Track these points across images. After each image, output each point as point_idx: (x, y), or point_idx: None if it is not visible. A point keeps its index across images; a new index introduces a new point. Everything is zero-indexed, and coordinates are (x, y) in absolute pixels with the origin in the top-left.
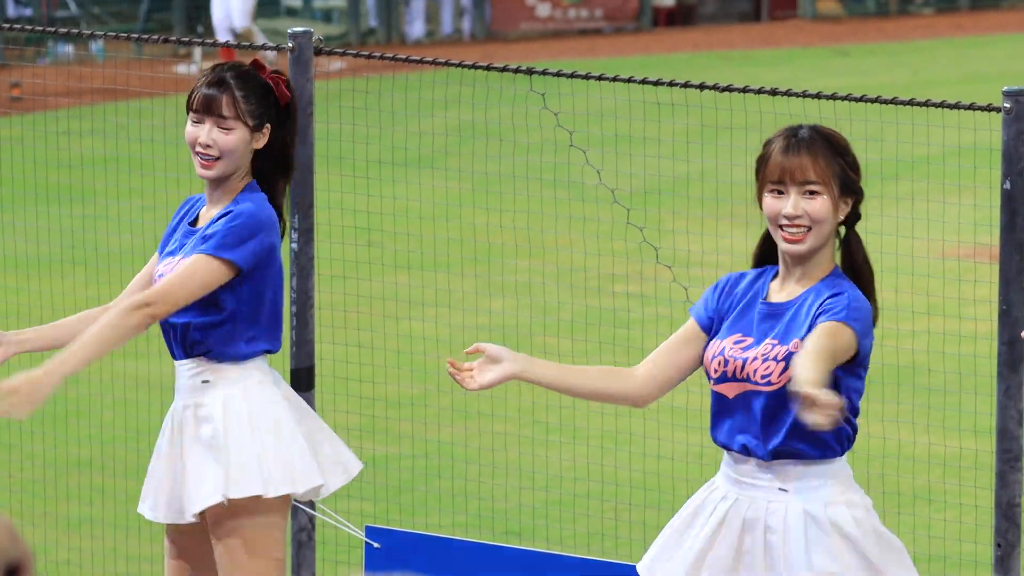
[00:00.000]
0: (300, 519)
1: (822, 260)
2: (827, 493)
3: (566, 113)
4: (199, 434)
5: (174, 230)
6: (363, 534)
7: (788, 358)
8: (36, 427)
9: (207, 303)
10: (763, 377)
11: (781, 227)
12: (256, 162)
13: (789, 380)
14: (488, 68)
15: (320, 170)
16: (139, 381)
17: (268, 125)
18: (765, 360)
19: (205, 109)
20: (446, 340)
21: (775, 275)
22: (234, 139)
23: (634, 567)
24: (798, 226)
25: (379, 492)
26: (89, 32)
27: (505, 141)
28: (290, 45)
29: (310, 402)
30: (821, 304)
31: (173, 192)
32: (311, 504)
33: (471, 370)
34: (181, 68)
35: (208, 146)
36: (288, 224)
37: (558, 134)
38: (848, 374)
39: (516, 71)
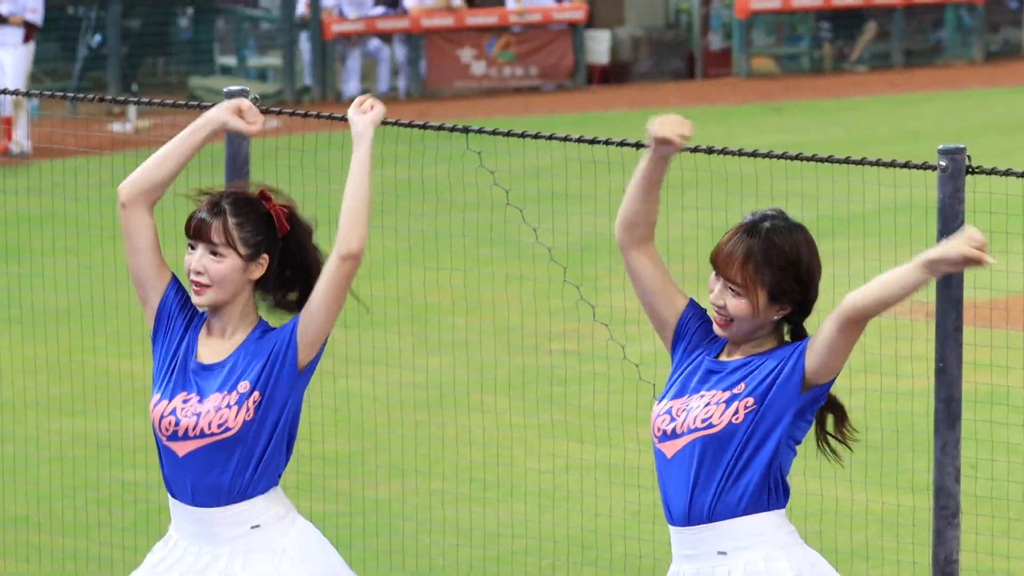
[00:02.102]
0: None
1: (764, 340)
2: (766, 550)
3: (502, 171)
4: (273, 571)
5: (176, 336)
6: None
7: (730, 400)
8: None
9: (261, 432)
10: (703, 421)
11: (713, 308)
12: (278, 294)
13: (729, 421)
14: (424, 126)
15: None
16: (75, 437)
17: (265, 255)
18: (707, 405)
19: (196, 235)
20: (383, 398)
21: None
22: (225, 267)
23: None
24: (721, 314)
25: None
26: (24, 91)
27: (441, 199)
28: None
29: None
30: (794, 349)
31: (108, 250)
32: None
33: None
34: (116, 126)
35: (199, 272)
36: None
37: (494, 192)
38: (798, 417)
39: (452, 129)
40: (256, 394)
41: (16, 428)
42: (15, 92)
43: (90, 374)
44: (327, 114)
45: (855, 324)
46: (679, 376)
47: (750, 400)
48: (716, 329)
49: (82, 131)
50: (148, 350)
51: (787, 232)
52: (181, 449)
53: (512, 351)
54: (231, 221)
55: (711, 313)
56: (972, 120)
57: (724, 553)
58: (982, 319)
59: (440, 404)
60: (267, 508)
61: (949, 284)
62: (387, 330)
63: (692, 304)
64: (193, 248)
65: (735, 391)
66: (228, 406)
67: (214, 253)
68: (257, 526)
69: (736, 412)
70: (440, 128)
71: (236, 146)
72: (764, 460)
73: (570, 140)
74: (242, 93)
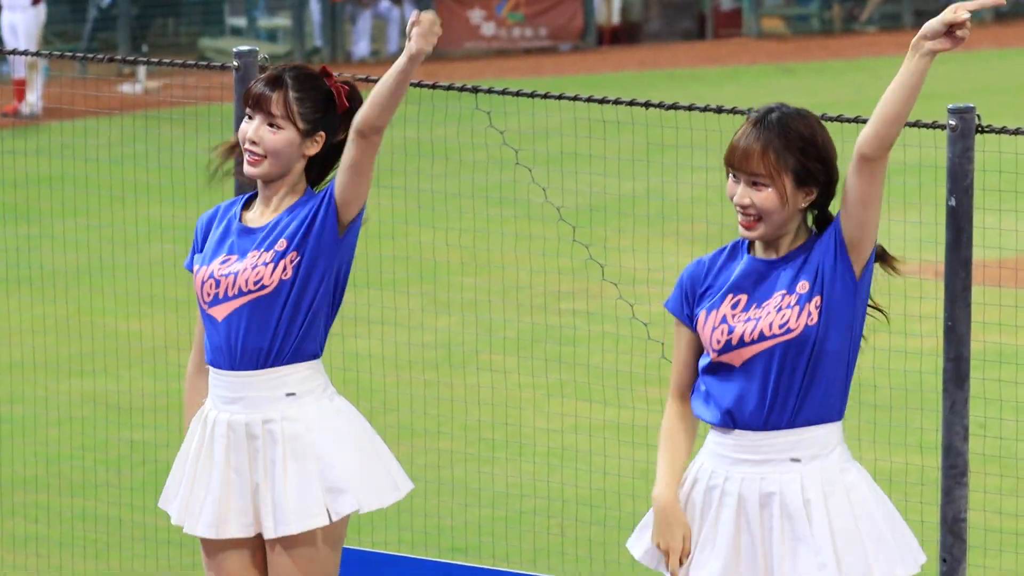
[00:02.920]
0: None
1: (797, 234)
2: (836, 458)
3: (512, 131)
4: (294, 450)
5: (206, 237)
6: None
7: (801, 301)
8: None
9: (299, 294)
10: (781, 327)
11: (737, 211)
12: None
13: (806, 324)
14: (434, 87)
15: None
16: (84, 398)
17: (322, 133)
18: (779, 310)
19: (255, 105)
20: (391, 358)
21: (748, 243)
22: (281, 139)
23: None
24: (748, 214)
25: None
26: (34, 51)
27: (451, 159)
28: (236, 64)
29: None
30: (832, 230)
31: (118, 211)
32: None
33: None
34: (126, 87)
35: (255, 143)
36: None
37: (504, 152)
38: (860, 303)
39: (462, 90)
40: (294, 254)
41: (25, 389)
42: (24, 52)
43: (99, 334)
44: (337, 74)
45: (873, 160)
46: (719, 289)
47: (818, 299)
48: (743, 232)
49: (92, 92)
50: (156, 310)
51: (798, 116)
52: (221, 312)
53: (521, 311)
54: (292, 95)
55: (737, 219)
56: (982, 81)
57: (798, 460)
58: (991, 278)
59: (449, 364)
60: (305, 378)
61: (959, 243)
62: (396, 290)
63: (679, 315)
64: (251, 118)
65: (799, 291)
66: (265, 263)
67: (272, 124)
68: (293, 394)
69: (809, 314)
70: (449, 88)
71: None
72: (841, 362)
73: (579, 100)
74: (251, 54)
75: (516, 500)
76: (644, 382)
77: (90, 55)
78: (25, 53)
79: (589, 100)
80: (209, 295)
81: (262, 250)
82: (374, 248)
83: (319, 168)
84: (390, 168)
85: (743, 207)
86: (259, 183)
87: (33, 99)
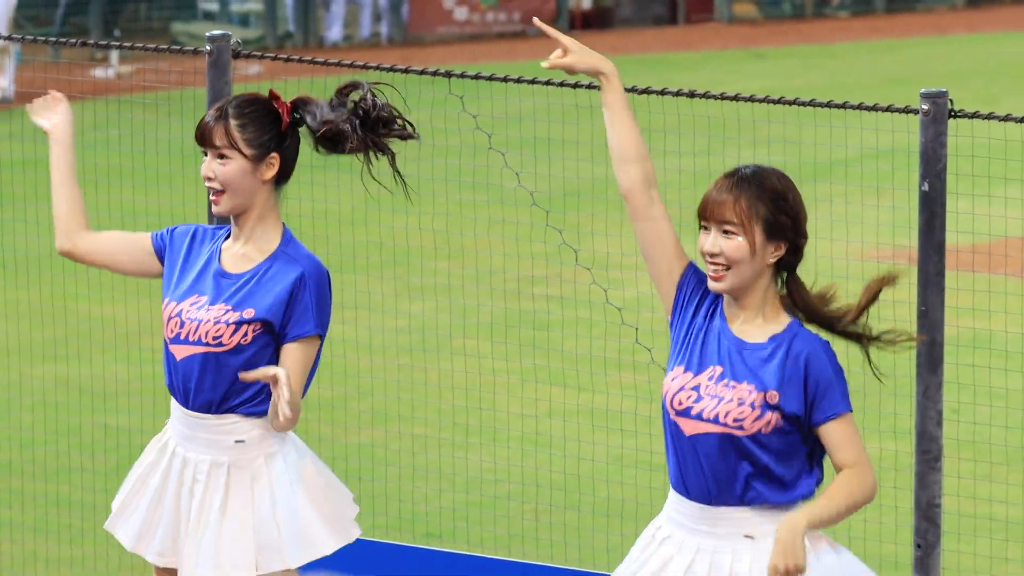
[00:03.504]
0: None
1: (765, 297)
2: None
3: (485, 116)
4: (234, 502)
5: (190, 255)
6: None
7: (764, 407)
8: None
9: (255, 361)
10: (735, 420)
11: (707, 262)
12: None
13: (759, 430)
14: (406, 71)
15: None
16: (57, 382)
17: (275, 154)
18: (740, 404)
19: (202, 141)
20: (365, 343)
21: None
22: (232, 170)
23: (554, 568)
24: (716, 264)
25: None
26: (6, 36)
27: (423, 144)
28: (208, 48)
29: None
30: (816, 389)
31: (90, 195)
32: None
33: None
34: (98, 72)
35: (210, 178)
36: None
37: (477, 137)
38: None
39: (435, 74)
40: (258, 324)
41: None
42: None
43: (72, 319)
44: (308, 58)
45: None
46: (696, 340)
47: (781, 419)
48: (712, 284)
49: (64, 76)
50: (130, 295)
51: (770, 171)
52: (180, 352)
53: (495, 296)
54: (233, 123)
55: (706, 270)
56: (954, 65)
57: (752, 537)
58: (964, 263)
59: (423, 349)
60: (254, 426)
61: (932, 228)
62: (369, 275)
63: (688, 265)
64: (205, 154)
65: (768, 399)
66: (228, 323)
67: (220, 156)
68: (241, 441)
69: (768, 423)
70: (423, 73)
71: (218, 91)
72: (798, 455)
73: (552, 85)
74: (224, 38)
75: (491, 485)
76: (618, 367)
77: (62, 39)
78: (8, 39)
79: (562, 85)
80: (172, 332)
81: (229, 307)
82: (347, 233)
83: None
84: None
85: (712, 256)
86: (231, 222)
87: (5, 83)
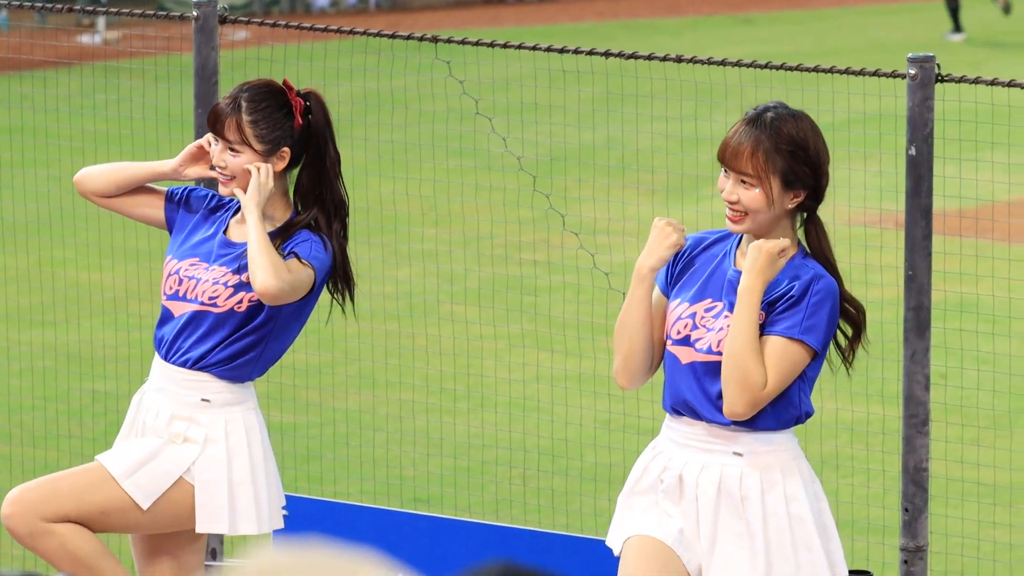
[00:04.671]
0: None
1: (779, 237)
2: (781, 459)
3: (471, 81)
4: (200, 453)
5: (202, 219)
6: None
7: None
8: None
9: (243, 327)
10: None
11: (726, 204)
12: (299, 200)
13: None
14: (393, 36)
15: None
16: (45, 349)
17: (285, 148)
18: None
19: (214, 130)
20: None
21: (740, 239)
22: (242, 162)
23: (541, 532)
24: (735, 209)
25: (287, 460)
26: None
27: (410, 110)
28: (195, 14)
29: None
30: (779, 299)
31: (78, 160)
32: None
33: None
34: (85, 38)
35: (222, 166)
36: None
37: (464, 102)
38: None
39: (421, 39)
40: (254, 293)
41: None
42: None
43: (60, 285)
44: (295, 24)
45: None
46: (698, 274)
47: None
48: (730, 226)
49: (51, 42)
50: (117, 261)
51: (791, 119)
52: (177, 309)
53: (481, 261)
54: (245, 119)
55: (725, 212)
56: (942, 31)
57: (740, 455)
58: (951, 228)
59: (410, 314)
60: (224, 390)
61: (919, 192)
62: (357, 240)
63: (660, 284)
64: (215, 140)
65: (759, 322)
66: (226, 285)
67: (231, 149)
68: (207, 400)
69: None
70: (409, 38)
71: (205, 57)
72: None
73: (539, 50)
74: (210, 4)
75: (478, 450)
76: (605, 332)
77: (49, 5)
78: None
79: (549, 50)
80: (171, 289)
81: (231, 270)
82: None
83: (308, 178)
84: (350, 119)
85: (731, 203)
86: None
87: None
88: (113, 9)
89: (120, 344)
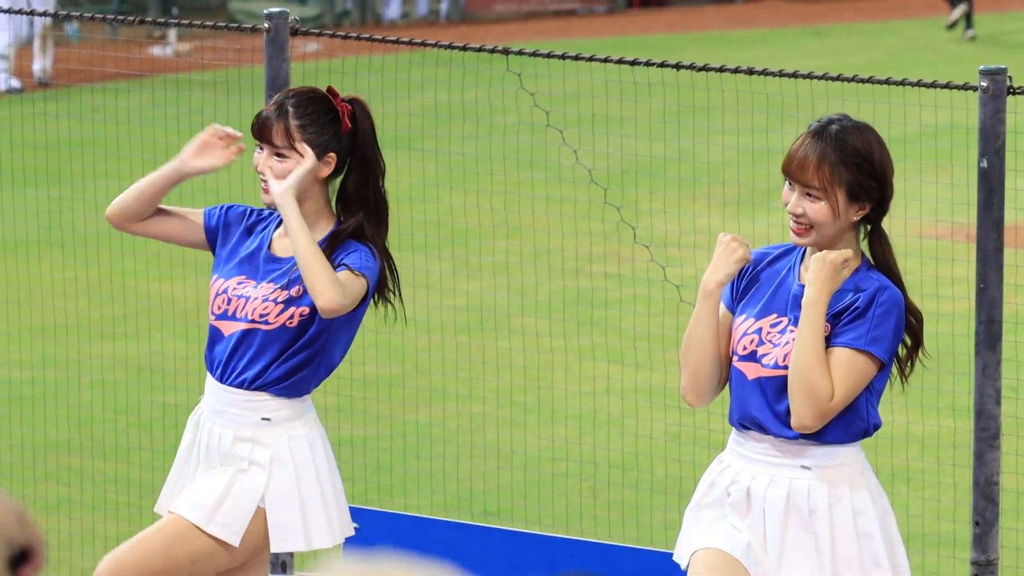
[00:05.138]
0: None
1: (848, 254)
2: (848, 473)
3: (542, 94)
4: (267, 473)
5: (244, 236)
6: None
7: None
8: (13, 408)
9: (295, 343)
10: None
11: (791, 217)
12: (342, 209)
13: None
14: (464, 48)
15: None
16: (116, 361)
17: (332, 154)
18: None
19: (260, 136)
20: (424, 321)
21: (803, 253)
22: (288, 168)
23: (611, 545)
24: (800, 223)
25: (357, 472)
26: (64, 13)
27: (481, 122)
28: (266, 26)
29: None
30: (844, 311)
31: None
32: None
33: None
34: (156, 50)
35: (266, 174)
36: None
37: (534, 115)
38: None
39: (492, 51)
40: (306, 308)
41: (57, 352)
42: (55, 16)
43: (131, 297)
44: (367, 36)
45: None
46: (763, 289)
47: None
48: (794, 239)
49: (122, 54)
50: (188, 273)
51: (856, 131)
52: (228, 328)
53: (552, 274)
54: (293, 124)
55: (788, 224)
56: (1013, 42)
57: (808, 468)
58: (1023, 241)
59: (480, 327)
60: (284, 406)
61: (990, 206)
62: (427, 253)
63: (726, 302)
64: (260, 148)
65: (824, 334)
66: (276, 301)
67: (278, 155)
68: (267, 419)
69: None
70: (480, 50)
71: (276, 69)
72: (859, 396)
73: (610, 62)
74: (282, 16)
75: (548, 463)
76: (676, 345)
77: (120, 17)
78: (56, 16)
79: (620, 62)
80: (220, 309)
81: (279, 286)
82: (405, 211)
83: (355, 183)
84: (421, 131)
85: (796, 215)
86: None
87: (47, 64)
88: (184, 21)
89: (191, 356)
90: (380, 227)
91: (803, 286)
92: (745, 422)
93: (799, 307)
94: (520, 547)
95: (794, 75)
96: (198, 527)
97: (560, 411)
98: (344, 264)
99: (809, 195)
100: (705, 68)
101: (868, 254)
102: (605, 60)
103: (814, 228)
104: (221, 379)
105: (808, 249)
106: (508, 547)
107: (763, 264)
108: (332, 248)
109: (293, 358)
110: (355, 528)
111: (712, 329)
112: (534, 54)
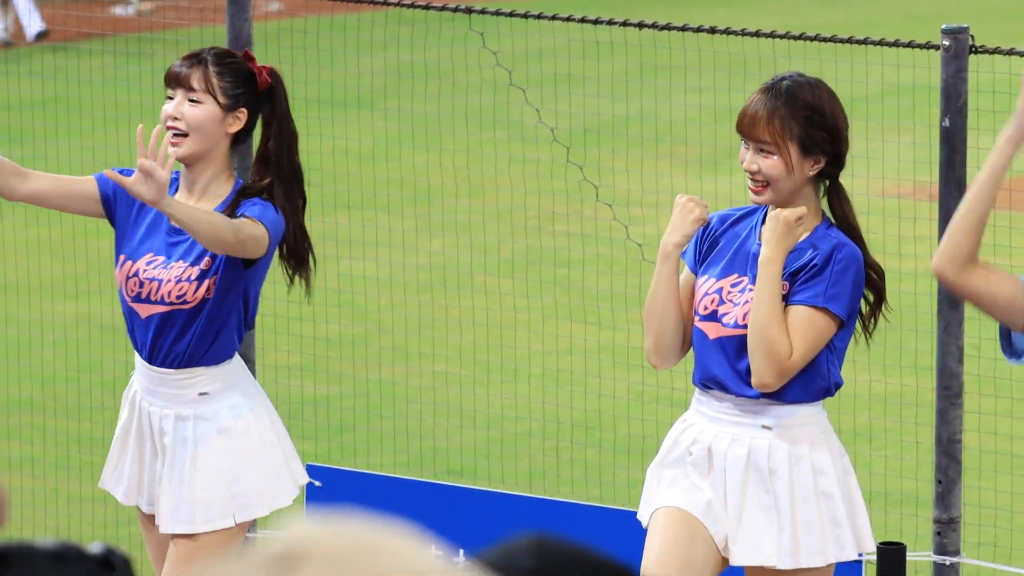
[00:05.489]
0: None
1: (807, 207)
2: (809, 432)
3: (505, 53)
4: (204, 452)
5: (143, 207)
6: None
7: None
8: None
9: (217, 311)
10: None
11: (747, 176)
12: (256, 170)
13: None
14: (427, 7)
15: None
16: (79, 320)
17: (244, 109)
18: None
19: (175, 82)
20: (386, 279)
21: (765, 213)
22: (203, 113)
23: (574, 504)
24: (756, 180)
25: (320, 431)
26: None
27: (443, 81)
28: None
29: (250, 342)
30: (802, 269)
31: (111, 132)
32: None
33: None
34: (118, 9)
35: (176, 118)
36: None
37: (497, 74)
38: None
39: (455, 11)
40: (215, 276)
41: (20, 311)
42: None
43: (93, 256)
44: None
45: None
46: (725, 250)
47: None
48: (751, 197)
49: (84, 13)
50: None
51: (807, 86)
52: (144, 311)
53: (515, 233)
54: (212, 69)
55: (746, 183)
56: (975, 4)
57: (769, 428)
58: None
59: (443, 286)
60: (218, 377)
61: (953, 165)
62: (390, 212)
63: (689, 263)
64: (171, 97)
65: (782, 292)
66: (189, 280)
67: (192, 100)
68: (206, 393)
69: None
70: (443, 9)
71: (238, 28)
72: (819, 355)
73: (572, 21)
74: None
75: (511, 422)
76: (639, 304)
77: None
78: None
79: (583, 21)
80: (133, 292)
81: (188, 263)
82: (368, 170)
83: (275, 147)
84: (384, 91)
85: (751, 173)
86: (182, 168)
87: (7, 24)
88: None
89: None
90: (293, 195)
91: (761, 245)
92: (707, 382)
93: (755, 262)
94: (483, 505)
95: (756, 34)
96: (195, 534)
97: (523, 370)
98: (243, 215)
99: (762, 151)
100: (667, 27)
101: (828, 212)
102: (567, 19)
103: (770, 185)
104: (150, 360)
105: (769, 209)
106: (470, 505)
107: (726, 225)
108: (236, 203)
109: (214, 325)
110: (317, 485)
111: (673, 291)
112: (496, 13)
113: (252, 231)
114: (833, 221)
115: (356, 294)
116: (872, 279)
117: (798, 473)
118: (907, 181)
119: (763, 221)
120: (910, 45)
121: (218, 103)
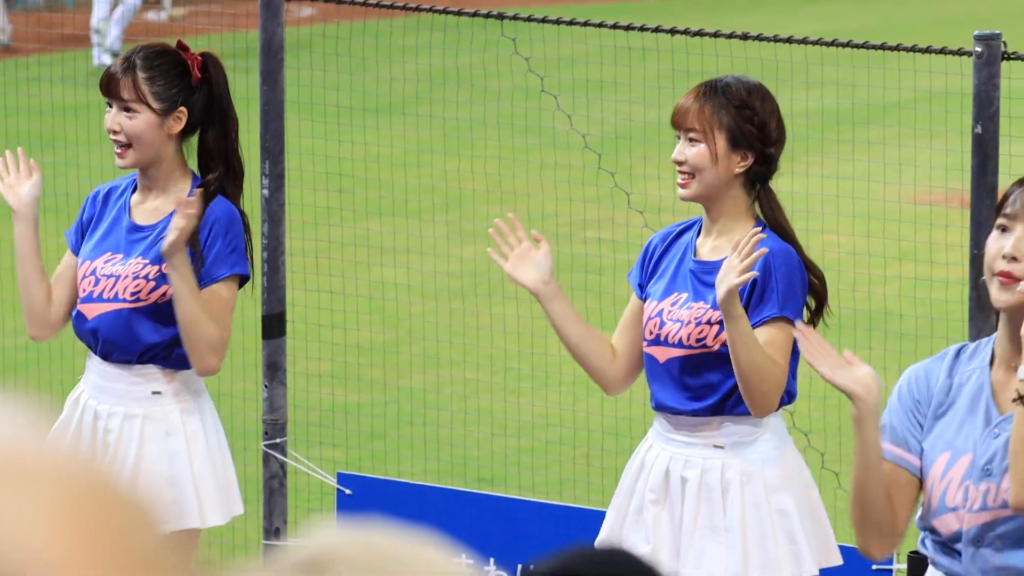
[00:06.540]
0: (272, 466)
1: (734, 212)
2: (763, 448)
3: (537, 59)
4: (149, 454)
5: (96, 223)
6: (335, 481)
7: (721, 321)
8: (7, 377)
9: (169, 317)
10: (698, 341)
11: (677, 171)
12: (201, 158)
13: (723, 343)
14: (459, 13)
15: (291, 116)
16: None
17: (183, 108)
18: (699, 324)
19: (108, 93)
20: (417, 286)
21: (700, 227)
22: (139, 124)
23: (605, 512)
24: (683, 172)
25: (350, 439)
26: None
27: (475, 87)
28: None
29: (281, 349)
30: (751, 290)
31: None
32: (283, 451)
33: (513, 251)
34: (151, 15)
35: (115, 132)
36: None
37: (529, 80)
38: None
39: (487, 16)
40: None
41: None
42: None
43: None
44: (361, 1)
45: None
46: (665, 271)
47: None
48: (679, 192)
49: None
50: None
51: (743, 83)
52: (91, 311)
53: (547, 239)
54: (141, 76)
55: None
56: (1008, 7)
57: (721, 447)
58: None
59: (474, 293)
60: (171, 379)
61: (985, 171)
62: (421, 219)
63: (635, 287)
64: (110, 107)
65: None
66: (148, 278)
67: (127, 110)
68: (158, 392)
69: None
70: (475, 15)
71: (270, 33)
72: None
73: (605, 27)
74: None
75: (542, 430)
76: None
77: None
78: None
79: (615, 27)
80: (85, 291)
81: (148, 261)
82: (399, 176)
83: (215, 139)
84: (415, 96)
85: (678, 164)
86: (137, 173)
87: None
88: None
89: None
90: (238, 186)
91: (698, 262)
92: (659, 406)
93: (698, 282)
94: (513, 514)
95: (788, 40)
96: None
97: (554, 378)
98: (212, 278)
99: (691, 140)
100: (700, 33)
101: (761, 215)
102: (600, 25)
103: (696, 177)
104: (105, 358)
105: (703, 222)
106: (501, 514)
107: (666, 243)
108: (204, 202)
109: (171, 331)
110: (347, 493)
111: (587, 329)
112: (529, 19)
113: (227, 314)
114: (766, 225)
115: (387, 301)
116: (813, 284)
117: (750, 491)
118: (939, 188)
119: (698, 234)
120: (942, 52)
121: (153, 110)
